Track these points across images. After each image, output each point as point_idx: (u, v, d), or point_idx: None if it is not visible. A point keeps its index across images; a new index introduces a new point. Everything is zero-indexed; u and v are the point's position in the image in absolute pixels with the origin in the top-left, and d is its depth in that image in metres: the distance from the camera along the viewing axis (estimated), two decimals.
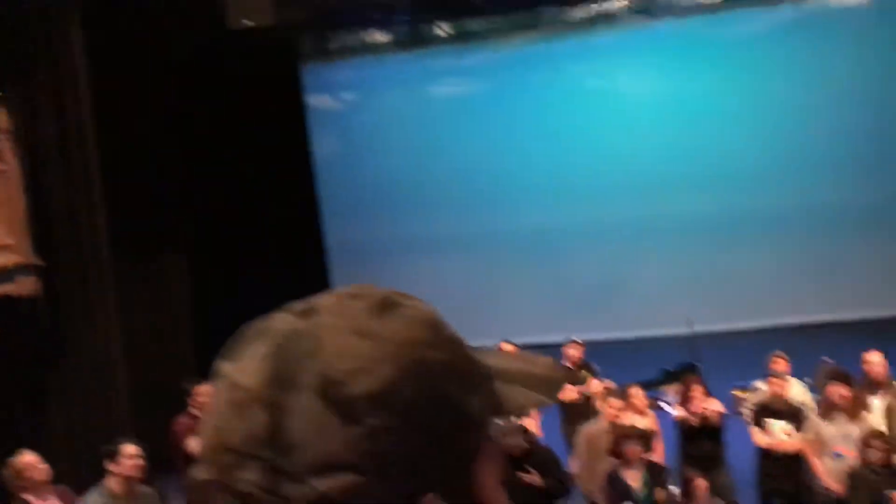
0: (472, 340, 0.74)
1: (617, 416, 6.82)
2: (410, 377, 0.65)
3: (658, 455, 6.86)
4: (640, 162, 12.05)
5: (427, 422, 0.65)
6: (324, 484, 0.61)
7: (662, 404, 7.71)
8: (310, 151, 12.46)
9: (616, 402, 7.00)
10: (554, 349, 8.51)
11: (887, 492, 5.86)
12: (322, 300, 0.71)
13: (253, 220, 11.59)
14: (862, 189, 11.85)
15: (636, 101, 12.35)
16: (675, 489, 6.26)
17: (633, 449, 6.24)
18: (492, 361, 0.75)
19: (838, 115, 11.76)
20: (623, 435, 6.41)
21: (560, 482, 6.44)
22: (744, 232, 12.09)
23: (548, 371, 0.79)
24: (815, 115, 11.84)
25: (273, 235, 11.37)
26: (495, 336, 8.38)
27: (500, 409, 0.73)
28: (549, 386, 0.78)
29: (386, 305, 0.69)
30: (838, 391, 6.49)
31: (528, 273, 12.56)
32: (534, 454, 6.42)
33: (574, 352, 8.22)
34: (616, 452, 6.32)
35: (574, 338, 8.50)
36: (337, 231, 12.62)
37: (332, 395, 0.63)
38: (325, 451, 0.62)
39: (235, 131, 11.66)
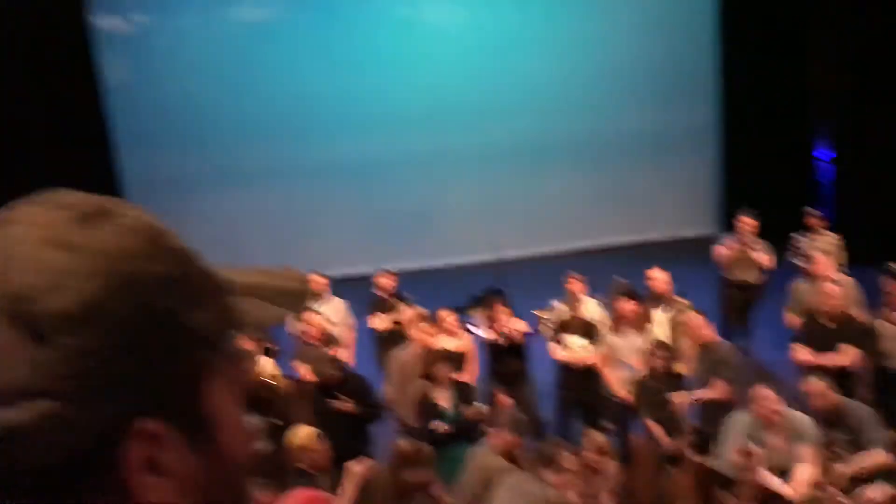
0: None
1: (429, 340, 7.00)
2: (118, 292, 0.59)
3: (471, 375, 7.13)
4: (445, 91, 12.16)
5: (139, 340, 0.59)
6: (11, 414, 0.55)
7: (471, 328, 7.98)
8: (99, 78, 11.56)
9: (428, 328, 7.16)
10: (367, 280, 8.57)
11: (668, 395, 6.43)
12: (20, 210, 0.63)
13: (38, 152, 10.66)
14: (653, 118, 12.64)
15: (441, 30, 12.38)
16: (482, 406, 6.55)
17: (442, 370, 6.45)
18: (230, 276, 0.70)
19: (636, 45, 12.37)
20: (435, 358, 6.59)
21: (372, 407, 6.57)
22: (545, 159, 12.59)
23: (291, 284, 0.75)
24: (611, 44, 12.40)
25: (61, 169, 10.50)
26: (308, 268, 8.28)
27: (234, 323, 0.69)
28: (292, 299, 0.75)
29: (95, 215, 0.63)
30: (628, 306, 7.01)
31: (339, 204, 12.45)
32: (346, 382, 6.50)
33: (386, 281, 8.32)
34: (427, 375, 6.51)
35: (386, 267, 8.58)
36: (134, 163, 11.86)
37: (19, 315, 0.56)
38: (11, 377, 0.55)
39: (15, 57, 10.59)
